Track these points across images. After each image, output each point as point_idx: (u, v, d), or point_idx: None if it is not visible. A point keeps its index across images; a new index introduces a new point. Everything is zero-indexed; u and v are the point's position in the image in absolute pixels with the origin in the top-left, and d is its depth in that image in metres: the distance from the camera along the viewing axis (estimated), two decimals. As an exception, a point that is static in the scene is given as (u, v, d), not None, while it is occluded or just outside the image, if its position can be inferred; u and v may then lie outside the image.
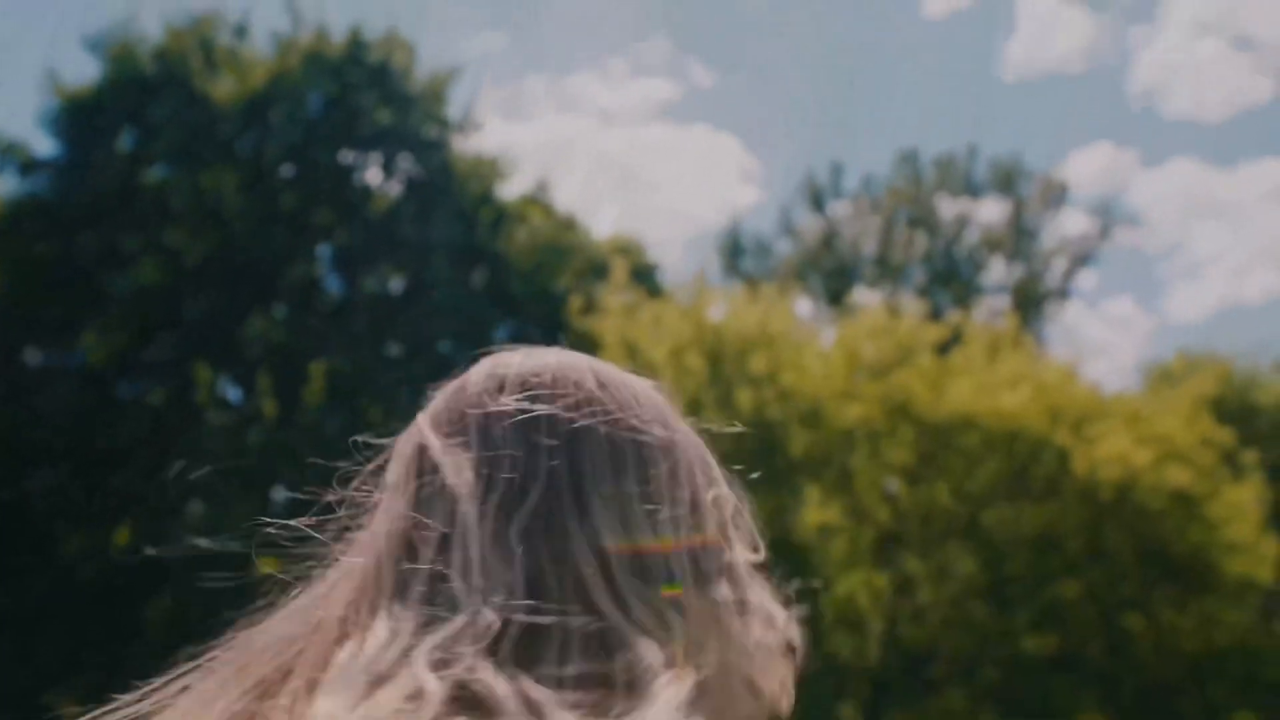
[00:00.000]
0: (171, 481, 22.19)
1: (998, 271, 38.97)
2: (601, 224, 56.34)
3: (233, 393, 25.15)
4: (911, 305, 26.66)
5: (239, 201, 25.87)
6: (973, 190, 39.09)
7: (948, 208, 38.96)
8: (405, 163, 27.95)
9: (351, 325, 25.87)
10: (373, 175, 27.98)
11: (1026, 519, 22.91)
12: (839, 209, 39.41)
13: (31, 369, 25.12)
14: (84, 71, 28.47)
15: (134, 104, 26.01)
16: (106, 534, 22.59)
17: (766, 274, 36.72)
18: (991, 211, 38.94)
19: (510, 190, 29.26)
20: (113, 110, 25.94)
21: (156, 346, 25.31)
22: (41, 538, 22.76)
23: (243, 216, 25.69)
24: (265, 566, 1.27)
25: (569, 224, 29.74)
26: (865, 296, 35.54)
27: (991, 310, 35.91)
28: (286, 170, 26.88)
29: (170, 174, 26.20)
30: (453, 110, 28.57)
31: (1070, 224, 67.28)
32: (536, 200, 29.73)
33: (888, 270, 38.43)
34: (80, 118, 25.95)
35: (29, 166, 26.43)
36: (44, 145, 34.78)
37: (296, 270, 26.45)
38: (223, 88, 26.30)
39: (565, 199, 43.78)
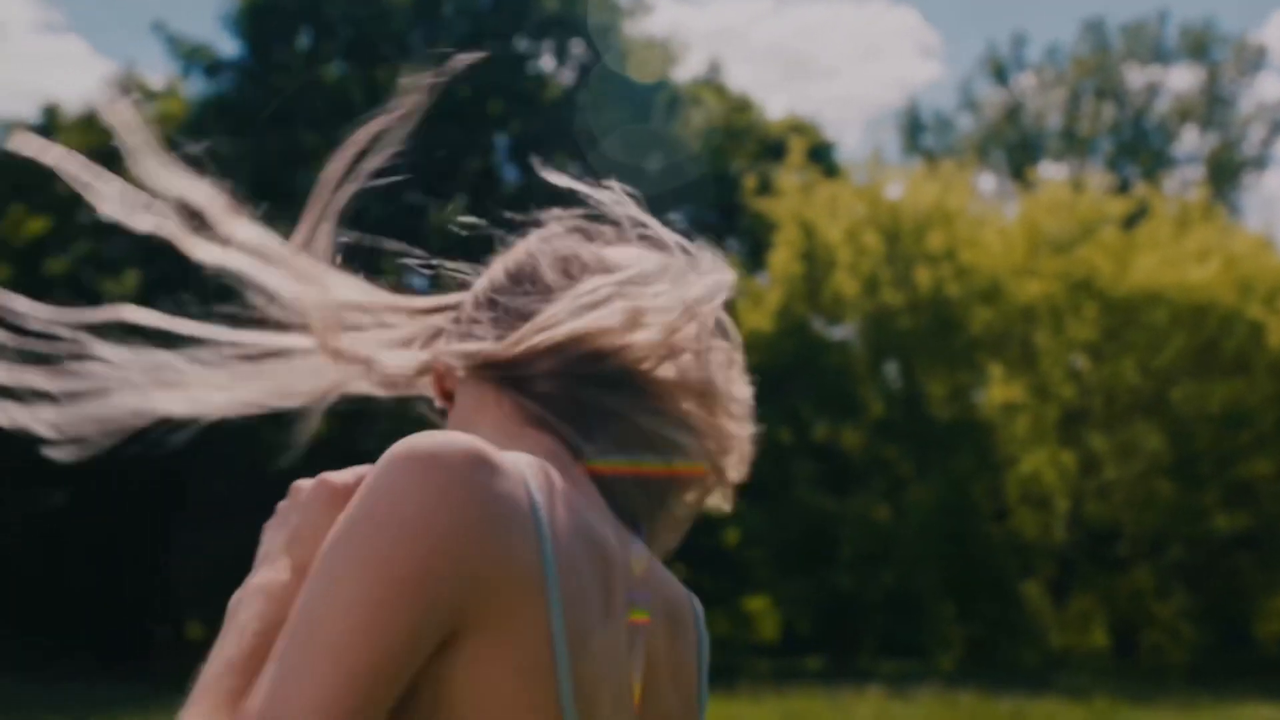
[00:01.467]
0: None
1: (1190, 141, 37.72)
2: (775, 107, 55.78)
3: (418, 282, 25.67)
4: (1098, 178, 25.95)
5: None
6: (1163, 57, 37.74)
7: (1136, 77, 37.73)
8: (577, 49, 27.96)
9: (530, 214, 26.13)
10: (545, 63, 28.06)
11: (1215, 394, 22.33)
12: (1022, 81, 38.43)
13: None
14: (262, -29, 28.94)
15: (311, 2, 26.41)
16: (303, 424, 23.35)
17: (947, 151, 36.03)
18: (1183, 79, 37.70)
19: (683, 74, 29.11)
20: (290, 9, 26.39)
21: (341, 242, 25.87)
22: (241, 432, 23.65)
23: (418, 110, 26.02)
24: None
25: (743, 105, 29.50)
26: (1050, 171, 34.67)
27: (1183, 182, 34.79)
28: (461, 62, 27.10)
29: (347, 71, 26.63)
30: (623, -5, 28.46)
31: (1268, 89, 64.59)
32: (709, 83, 29.52)
33: (1073, 143, 37.42)
34: (260, 18, 26.45)
35: (214, 68, 27.10)
36: (228, 47, 35.69)
37: (473, 161, 26.76)
38: (395, -18, 26.57)
39: (738, 82, 43.41)
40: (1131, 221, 24.09)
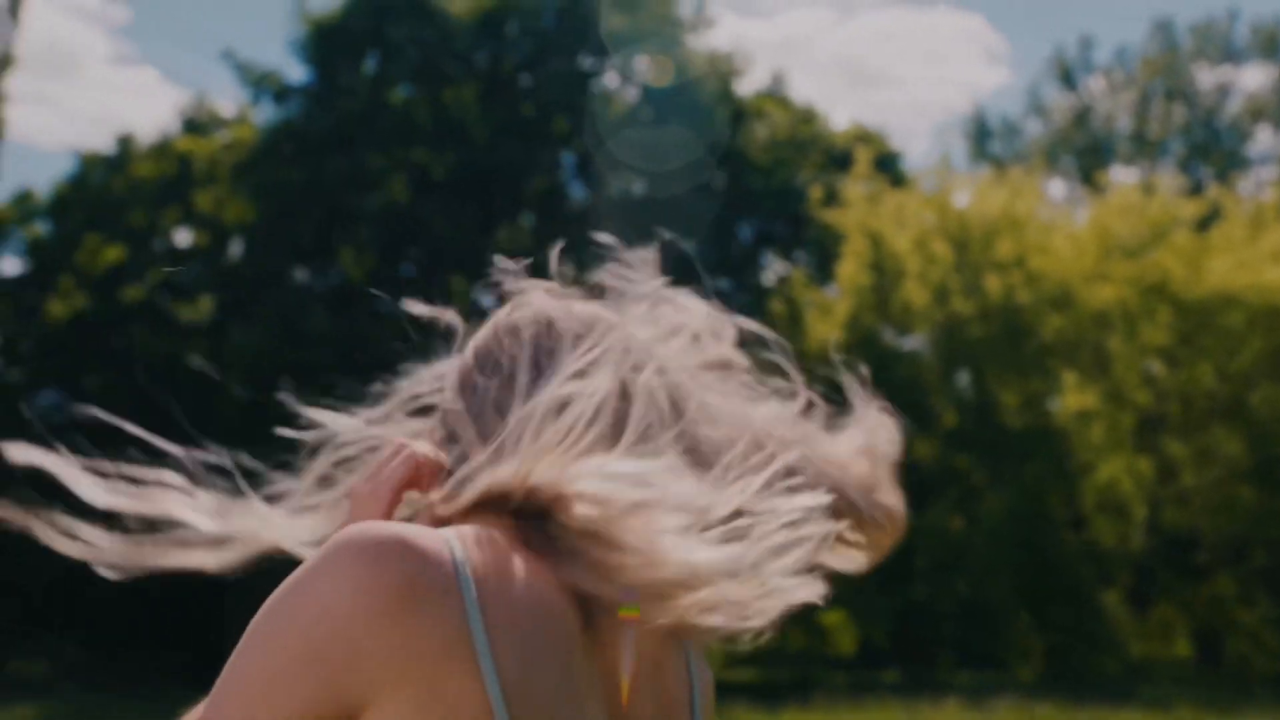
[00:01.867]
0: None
1: (1263, 141, 37.21)
2: (840, 117, 55.60)
3: (487, 302, 25.81)
4: (1169, 181, 25.65)
5: (480, 115, 26.40)
6: (1234, 57, 37.29)
7: (1206, 77, 37.28)
8: (641, 65, 28.04)
9: (596, 230, 26.20)
10: (609, 80, 28.18)
11: (1294, 397, 21.99)
12: (1091, 84, 38.10)
13: (295, 289, 26.22)
14: (328, -2, 29.27)
15: (375, 26, 26.68)
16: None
17: (1015, 157, 35.79)
18: (1255, 78, 37.20)
19: (746, 87, 29.11)
20: (356, 33, 26.67)
21: (408, 262, 26.11)
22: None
23: (484, 129, 26.22)
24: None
25: (807, 116, 29.46)
26: (1120, 174, 34.32)
27: (1257, 182, 34.30)
28: (525, 81, 27.27)
29: (413, 93, 26.87)
30: (684, 9, 28.51)
31: (1342, 85, 63.56)
32: (773, 95, 29.50)
33: (1144, 146, 37.04)
34: (326, 43, 26.76)
35: (282, 94, 27.45)
36: (295, 72, 36.10)
37: (539, 179, 26.90)
38: (458, 3, 26.77)
39: (802, 93, 43.32)
40: (1205, 224, 23.80)
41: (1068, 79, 38.36)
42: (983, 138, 38.62)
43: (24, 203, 29.49)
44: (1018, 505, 21.75)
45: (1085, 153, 37.22)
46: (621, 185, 27.61)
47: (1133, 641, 23.17)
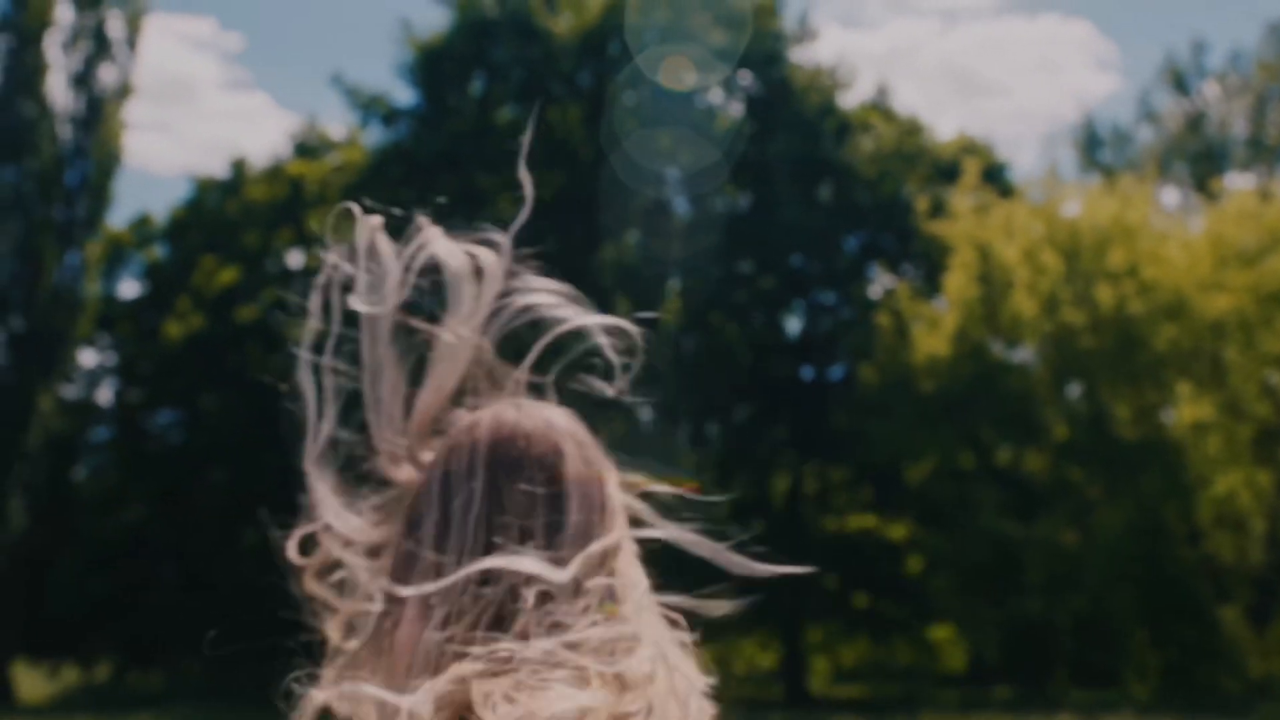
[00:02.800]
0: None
1: (1383, 144, 36.31)
2: (946, 128, 55.11)
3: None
4: (1284, 187, 25.14)
5: (585, 133, 26.57)
6: (1353, 59, 36.46)
7: (1324, 79, 36.47)
8: (745, 80, 28.04)
9: (702, 245, 26.24)
10: (714, 95, 28.19)
11: None
12: (1204, 89, 37.42)
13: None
14: (434, 20, 29.69)
15: (480, 47, 26.97)
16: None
17: (1127, 165, 35.25)
18: (1373, 80, 36.20)
19: (850, 100, 29.00)
20: (462, 56, 26.97)
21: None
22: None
23: (589, 148, 26.38)
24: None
25: (913, 129, 29.26)
26: (1236, 181, 33.66)
27: (1378, 186, 33.47)
28: (629, 99, 27.37)
29: (519, 113, 27.10)
30: (788, 23, 28.47)
31: None
32: (878, 107, 29.35)
33: (1260, 151, 36.29)
34: (433, 66, 27.10)
35: (390, 117, 27.83)
36: (403, 95, 36.58)
37: (645, 195, 26.99)
38: (562, 23, 26.98)
39: (907, 104, 43.05)
40: (1323, 230, 23.28)
41: (1180, 84, 37.73)
42: (1093, 146, 38.10)
43: (142, 227, 30.21)
44: (1133, 519, 21.41)
45: (1199, 159, 36.58)
46: (727, 200, 27.61)
47: (1252, 658, 22.66)
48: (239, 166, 29.77)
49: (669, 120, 26.90)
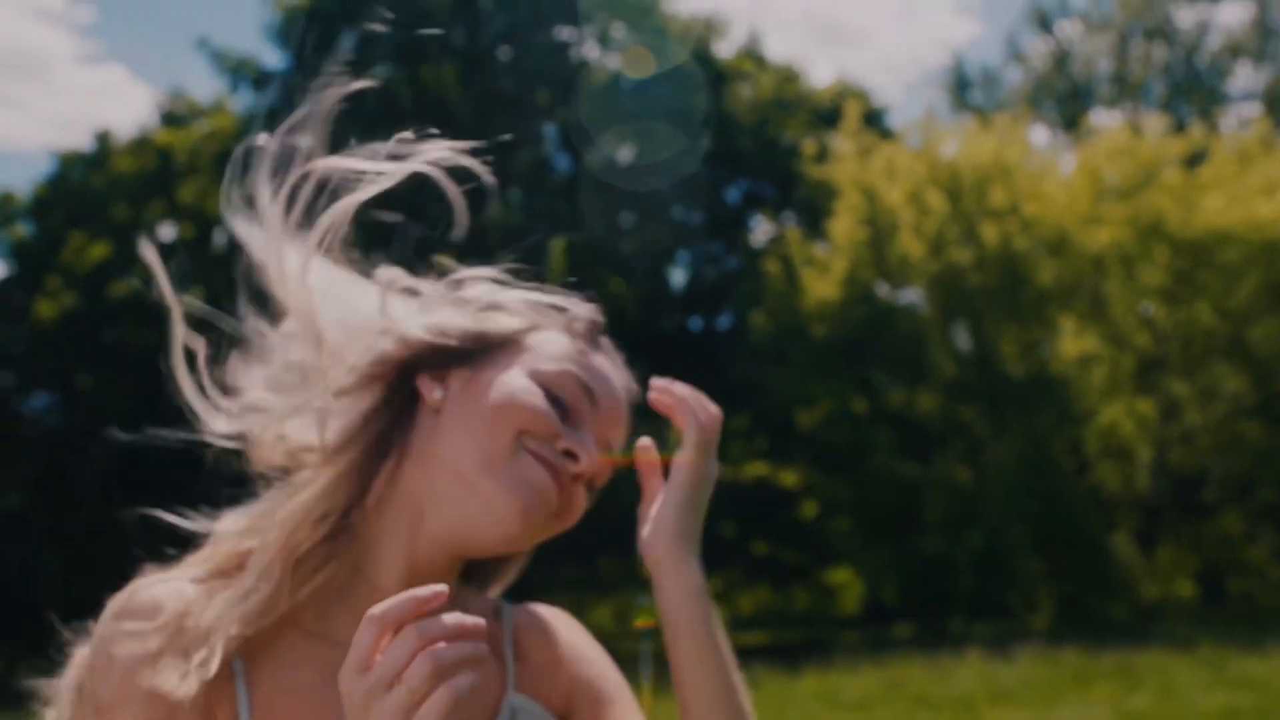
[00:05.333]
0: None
1: (1244, 77, 37.12)
2: (816, 76, 55.31)
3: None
4: (1153, 122, 25.54)
5: (461, 92, 26.18)
6: (1210, -7, 37.15)
7: (1185, 15, 37.12)
8: (619, 33, 27.82)
9: (583, 200, 26.05)
10: (589, 49, 27.95)
11: (1296, 330, 21.94)
12: (1068, 29, 37.92)
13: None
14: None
15: (350, 7, 26.41)
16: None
17: (996, 106, 35.63)
18: (1233, 14, 37.12)
19: (725, 49, 28.89)
20: (330, 16, 26.39)
21: (403, 242, 25.90)
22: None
23: (466, 106, 26.00)
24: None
25: (790, 75, 29.26)
26: (1103, 118, 34.18)
27: (1241, 119, 34.20)
28: (504, 55, 27.04)
29: (392, 73, 26.61)
30: (659, -27, 28.32)
31: (1319, 17, 63.46)
32: (752, 55, 29.30)
33: (1125, 88, 36.88)
34: (300, 27, 26.49)
35: (260, 80, 27.18)
36: (272, 58, 35.80)
37: (524, 153, 26.69)
38: (433, -21, 26.51)
39: (776, 53, 43.10)
40: (1192, 163, 23.70)
41: (1045, 24, 38.19)
42: (963, 88, 38.46)
43: (5, 204, 29.24)
44: (1024, 454, 21.70)
45: (1066, 98, 37.08)
46: (606, 154, 27.43)
47: (1143, 584, 23.16)
48: (104, 139, 28.91)
49: (544, 75, 26.63)
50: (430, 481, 1.47)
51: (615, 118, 26.46)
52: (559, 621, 1.65)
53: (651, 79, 26.66)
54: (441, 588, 1.22)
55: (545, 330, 1.60)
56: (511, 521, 1.44)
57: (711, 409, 1.62)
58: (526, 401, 1.48)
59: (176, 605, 1.42)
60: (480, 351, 1.55)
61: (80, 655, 1.48)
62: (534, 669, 1.58)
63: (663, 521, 1.51)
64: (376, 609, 1.21)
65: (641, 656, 1.60)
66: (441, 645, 1.19)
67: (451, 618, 1.21)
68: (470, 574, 1.66)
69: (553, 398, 1.50)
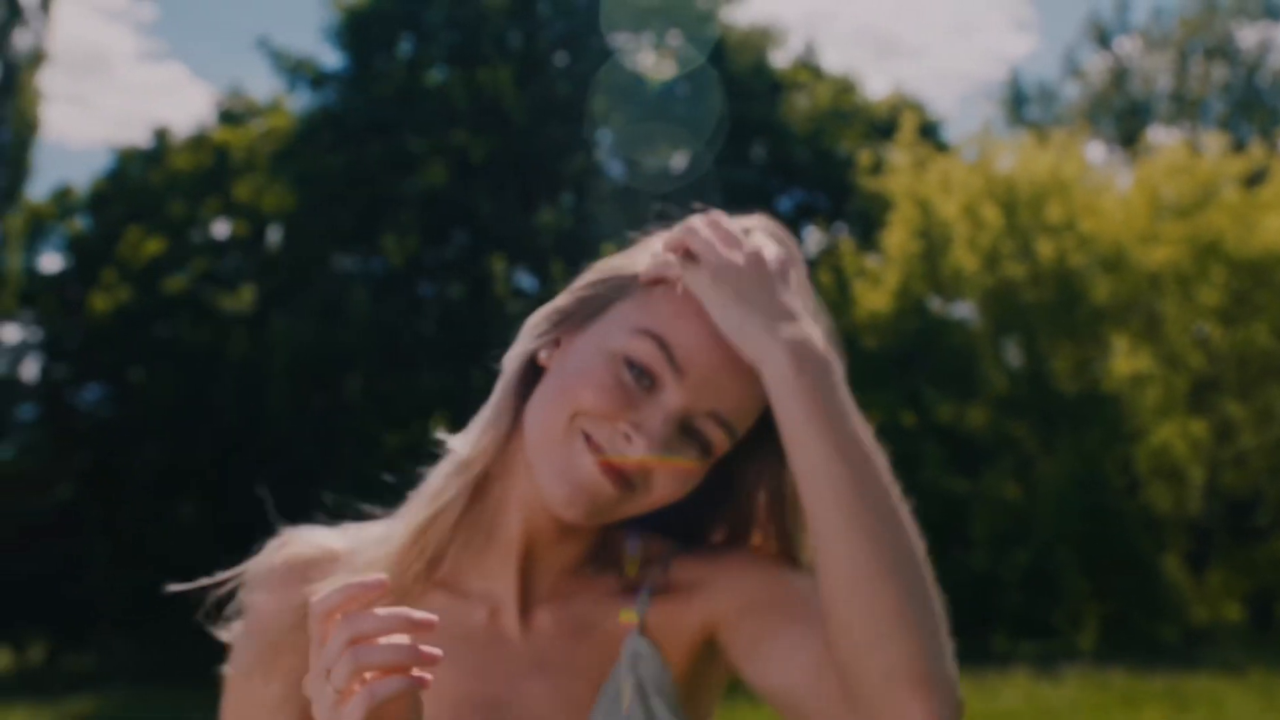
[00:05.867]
0: (479, 372, 22.85)
1: (1306, 97, 36.71)
2: (870, 89, 55.19)
3: (527, 282, 25.70)
4: (1212, 140, 25.29)
5: (516, 96, 26.21)
6: (1273, 12, 36.79)
7: (1247, 34, 36.81)
8: (675, 40, 27.79)
9: (635, 207, 26.04)
10: (644, 57, 27.93)
11: (1355, 353, 21.64)
12: (1127, 45, 37.66)
13: (337, 276, 26.11)
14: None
15: (409, 9, 26.51)
16: (422, 429, 23.44)
17: (1052, 121, 35.39)
18: (1296, 33, 36.62)
19: (781, 60, 28.82)
20: (390, 18, 26.51)
21: (450, 245, 26.01)
22: (361, 438, 23.74)
23: (521, 110, 26.04)
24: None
25: (846, 86, 29.15)
26: (1161, 135, 33.90)
27: (1302, 139, 33.83)
28: (560, 60, 27.07)
29: (449, 75, 26.69)
30: (717, -17, 28.26)
31: (1384, 38, 62.77)
32: (808, 66, 29.21)
33: (1184, 106, 36.57)
34: (360, 28, 26.61)
35: (318, 81, 27.31)
36: (331, 58, 36.03)
37: (578, 158, 26.70)
38: (491, -17, 26.59)
39: (832, 65, 43.00)
40: (1251, 182, 23.45)
41: (1103, 40, 37.93)
42: (1019, 103, 38.26)
43: (64, 199, 29.52)
44: (1073, 471, 21.49)
45: (1124, 115, 36.82)
46: (660, 161, 27.39)
47: (1192, 607, 22.88)
48: (162, 135, 29.13)
49: (599, 81, 26.63)
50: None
51: (668, 125, 26.43)
52: (728, 556, 1.55)
53: (706, 87, 26.61)
54: (380, 578, 1.19)
55: (645, 285, 1.50)
56: (560, 508, 1.41)
57: (739, 251, 1.47)
58: (585, 378, 1.42)
59: (325, 554, 1.50)
60: (583, 313, 1.50)
61: (243, 605, 1.52)
62: (670, 612, 1.51)
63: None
64: (314, 598, 1.20)
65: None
66: (364, 645, 1.16)
67: (388, 613, 1.17)
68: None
69: (636, 365, 1.42)
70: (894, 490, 1.36)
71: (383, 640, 1.16)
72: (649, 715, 1.45)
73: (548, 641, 1.49)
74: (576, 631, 1.49)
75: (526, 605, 1.50)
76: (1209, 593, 23.72)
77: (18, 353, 29.04)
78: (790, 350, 1.37)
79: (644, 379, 1.42)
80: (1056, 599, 21.88)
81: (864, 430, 1.37)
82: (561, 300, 1.53)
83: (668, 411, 1.41)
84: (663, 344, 1.42)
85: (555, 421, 1.42)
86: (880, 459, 1.37)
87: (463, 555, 1.50)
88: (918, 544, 1.38)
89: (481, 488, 1.48)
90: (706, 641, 1.50)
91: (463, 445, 1.49)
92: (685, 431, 1.43)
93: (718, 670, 1.53)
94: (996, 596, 21.75)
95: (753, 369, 1.40)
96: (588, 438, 1.41)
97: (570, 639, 1.49)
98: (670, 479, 1.42)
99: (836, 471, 1.33)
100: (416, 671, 1.17)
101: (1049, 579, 21.46)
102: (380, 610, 1.17)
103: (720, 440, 1.44)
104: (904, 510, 1.37)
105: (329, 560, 1.49)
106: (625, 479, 1.41)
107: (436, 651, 1.17)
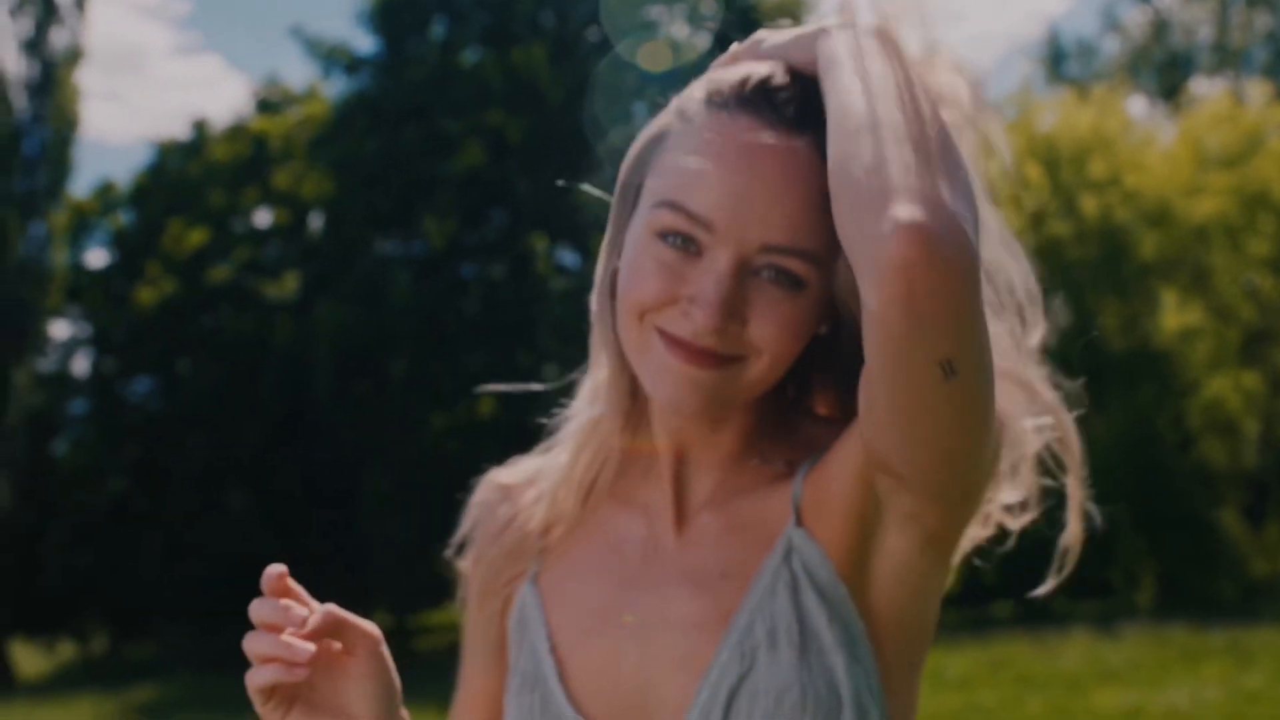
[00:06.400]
0: (524, 350, 22.86)
1: (1349, 43, 36.22)
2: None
3: (569, 258, 25.69)
4: (1256, 89, 24.97)
5: (551, 74, 26.15)
6: (1315, -43, 36.29)
7: (1289, -20, 36.31)
8: (711, 10, 27.64)
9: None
10: (678, 30, 27.79)
11: None
12: (1166, -3, 37.28)
13: (379, 260, 26.18)
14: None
15: (440, -10, 26.47)
16: (467, 409, 23.50)
17: (1092, 77, 35.04)
18: (1337, -23, 36.08)
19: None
20: (422, 1, 26.47)
21: (490, 226, 26.00)
22: (407, 421, 23.81)
23: (557, 88, 25.98)
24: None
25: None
26: (1204, 87, 33.49)
27: (1346, 85, 33.36)
28: (593, 35, 26.97)
29: (482, 56, 26.65)
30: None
31: None
32: (845, 30, 28.98)
33: (1226, 56, 36.16)
34: (392, 13, 26.59)
35: (353, 66, 27.33)
36: (364, 44, 36.06)
37: (614, 134, 26.62)
38: (521, -39, 26.52)
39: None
40: (1297, 130, 23.14)
41: (1143, -8, 37.59)
42: (1058, 61, 37.91)
43: (106, 194, 29.74)
44: (1126, 429, 21.31)
45: (1165, 67, 36.43)
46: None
47: (1250, 560, 22.68)
48: (200, 127, 29.29)
49: (635, 56, 26.52)
50: None
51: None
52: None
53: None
54: (278, 568, 1.26)
55: (671, 143, 1.44)
56: (674, 409, 1.38)
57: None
58: (632, 275, 1.36)
59: (524, 478, 1.61)
60: (624, 209, 1.46)
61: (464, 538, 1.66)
62: (818, 499, 1.40)
63: None
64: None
65: None
66: (255, 633, 1.25)
67: (276, 605, 1.25)
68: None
69: (669, 238, 1.34)
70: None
71: (262, 632, 1.24)
72: (799, 612, 1.36)
73: (704, 546, 1.43)
74: (734, 530, 1.42)
75: (684, 512, 1.46)
76: (1267, 546, 23.49)
77: (68, 348, 29.34)
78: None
79: (689, 246, 1.34)
80: (1112, 558, 21.73)
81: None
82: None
83: (718, 271, 1.32)
84: (676, 206, 1.34)
85: (630, 330, 1.37)
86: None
87: (632, 468, 1.52)
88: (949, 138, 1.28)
89: (629, 407, 1.50)
90: (861, 513, 1.39)
91: (592, 381, 1.56)
92: (755, 278, 1.33)
93: (901, 538, 1.41)
94: (1050, 557, 21.61)
95: (786, 178, 1.33)
96: (661, 332, 1.35)
97: (728, 539, 1.42)
98: (764, 331, 1.33)
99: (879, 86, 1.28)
100: (290, 669, 1.23)
101: (1105, 538, 21.30)
102: (280, 601, 1.25)
103: (798, 267, 1.33)
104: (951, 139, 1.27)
105: (526, 484, 1.60)
106: (712, 356, 1.33)
107: (305, 652, 1.22)
